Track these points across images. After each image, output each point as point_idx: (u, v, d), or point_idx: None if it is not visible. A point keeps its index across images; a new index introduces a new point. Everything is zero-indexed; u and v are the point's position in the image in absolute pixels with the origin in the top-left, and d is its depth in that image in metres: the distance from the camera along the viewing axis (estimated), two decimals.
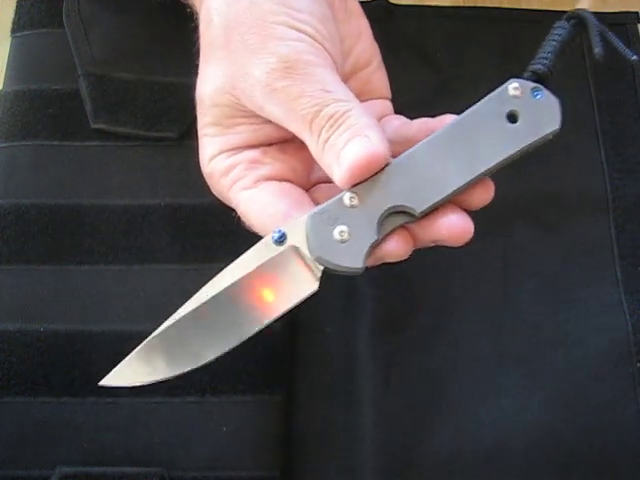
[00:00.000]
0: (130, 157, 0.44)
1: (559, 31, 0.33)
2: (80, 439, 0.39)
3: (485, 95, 0.32)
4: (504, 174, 0.46)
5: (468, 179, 0.30)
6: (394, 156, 0.31)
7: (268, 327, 0.39)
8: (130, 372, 0.31)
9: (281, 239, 0.30)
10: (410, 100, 0.41)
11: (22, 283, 0.41)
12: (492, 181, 0.31)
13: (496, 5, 0.51)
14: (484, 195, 0.31)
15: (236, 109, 0.32)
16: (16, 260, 0.42)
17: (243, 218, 0.33)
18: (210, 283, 0.31)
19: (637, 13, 0.51)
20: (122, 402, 0.39)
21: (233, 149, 0.33)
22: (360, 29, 0.36)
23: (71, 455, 0.38)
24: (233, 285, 0.31)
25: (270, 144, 0.34)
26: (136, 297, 0.41)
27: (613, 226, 0.45)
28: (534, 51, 0.49)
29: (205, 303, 0.31)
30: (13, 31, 0.48)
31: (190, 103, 0.45)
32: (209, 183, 0.35)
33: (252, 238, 0.42)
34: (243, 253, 0.42)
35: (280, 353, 0.41)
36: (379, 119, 0.35)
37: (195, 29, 0.35)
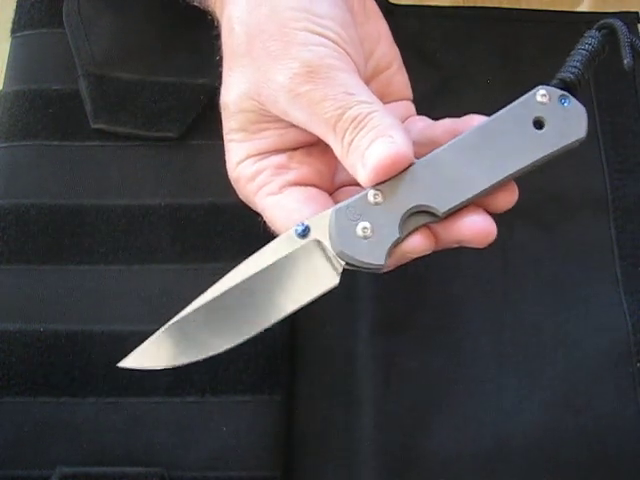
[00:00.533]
0: (130, 157, 0.45)
1: (589, 40, 0.33)
2: (80, 439, 0.39)
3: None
4: None
5: (493, 182, 0.30)
6: (418, 157, 0.31)
7: (268, 327, 0.40)
8: (148, 355, 0.31)
9: (304, 232, 0.30)
10: None
11: (22, 283, 0.41)
12: (516, 185, 0.32)
13: (496, 5, 0.51)
14: (508, 198, 0.31)
15: (261, 114, 0.33)
16: (16, 260, 0.42)
17: (269, 223, 0.34)
18: (231, 273, 0.31)
19: (637, 13, 0.51)
20: (122, 402, 0.39)
21: (259, 154, 0.34)
22: (379, 31, 0.36)
23: (71, 455, 0.38)
24: (255, 275, 0.31)
25: (296, 148, 0.34)
26: (136, 297, 0.41)
27: (613, 226, 0.45)
28: (534, 51, 0.49)
29: (225, 292, 0.31)
30: (13, 31, 0.48)
31: (190, 103, 0.45)
32: (235, 187, 0.35)
33: (252, 238, 0.43)
34: (242, 253, 0.42)
35: (280, 353, 0.41)
36: (403, 120, 0.35)
37: (217, 37, 0.35)
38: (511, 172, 0.30)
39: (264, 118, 0.33)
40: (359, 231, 0.29)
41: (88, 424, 0.39)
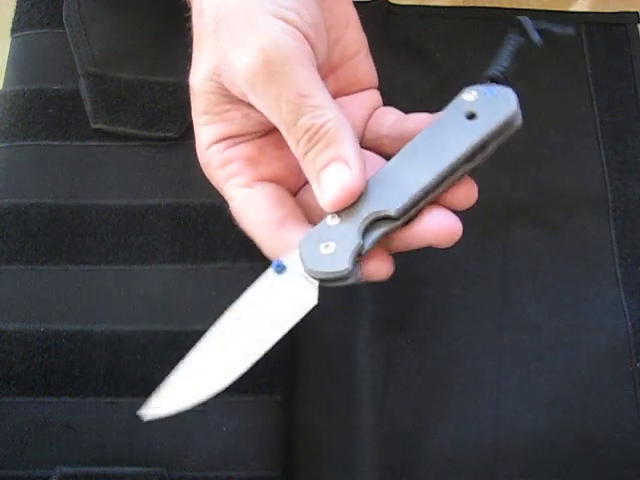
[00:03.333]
0: (130, 157, 0.45)
1: (510, 41, 0.34)
2: (80, 439, 0.39)
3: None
4: (504, 174, 0.46)
5: (436, 175, 0.30)
6: (392, 152, 0.32)
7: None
8: (165, 400, 0.31)
9: (279, 268, 0.32)
10: (410, 100, 0.41)
11: (22, 283, 0.41)
12: (474, 180, 0.31)
13: (496, 5, 0.51)
14: (467, 193, 0.31)
15: (222, 95, 0.32)
16: (16, 260, 0.42)
17: (235, 214, 0.34)
18: (224, 314, 0.32)
19: (637, 13, 0.51)
20: (122, 402, 0.39)
21: (226, 138, 0.33)
22: (348, 17, 0.36)
23: (71, 455, 0.38)
24: (242, 310, 0.32)
25: (265, 133, 0.34)
26: (136, 297, 0.41)
27: (613, 226, 0.45)
28: (534, 51, 0.49)
29: (218, 331, 0.32)
30: (13, 31, 0.48)
31: (190, 103, 0.45)
32: (205, 173, 0.35)
33: (250, 239, 0.43)
34: (242, 253, 0.42)
35: (280, 353, 0.41)
36: (371, 111, 0.36)
37: (188, 19, 0.35)
38: (452, 162, 0.30)
39: (226, 99, 0.32)
40: (322, 249, 0.30)
41: (88, 424, 0.39)
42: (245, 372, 0.40)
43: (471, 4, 0.52)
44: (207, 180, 0.44)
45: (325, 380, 0.41)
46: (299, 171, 0.33)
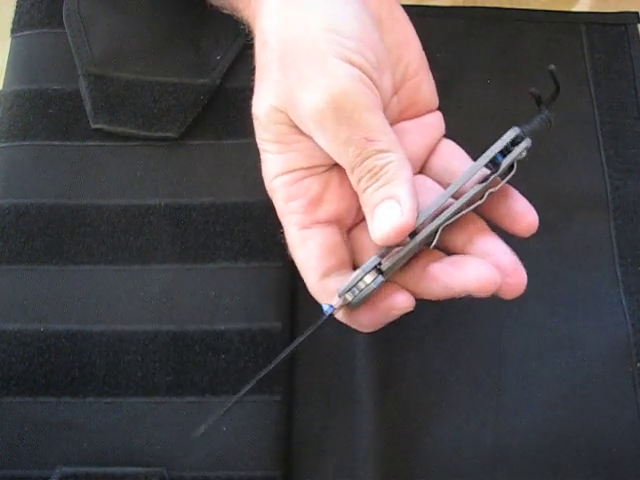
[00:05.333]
0: (130, 157, 0.45)
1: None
2: (80, 439, 0.39)
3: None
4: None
5: (443, 195, 0.33)
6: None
7: (268, 327, 0.41)
8: None
9: (329, 310, 0.34)
10: None
11: (22, 283, 0.41)
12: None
13: (496, 5, 0.51)
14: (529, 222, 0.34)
15: (292, 126, 0.34)
16: (16, 260, 0.42)
17: (288, 245, 0.35)
18: None
19: (637, 13, 0.51)
20: (122, 402, 0.39)
21: (294, 170, 0.34)
22: (407, 37, 0.37)
23: (71, 455, 0.38)
24: None
25: (330, 167, 0.35)
26: (136, 297, 0.41)
27: (613, 226, 0.45)
28: (534, 51, 0.49)
29: None
30: (13, 31, 0.48)
31: (190, 103, 0.45)
32: (270, 196, 0.36)
33: (252, 238, 0.43)
34: (242, 253, 0.43)
35: (280, 353, 0.41)
36: (435, 142, 0.37)
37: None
38: (456, 183, 0.33)
39: (295, 130, 0.34)
40: (352, 275, 0.33)
41: (88, 424, 0.39)
42: (246, 373, 0.40)
43: (471, 4, 0.52)
44: (207, 180, 0.44)
45: (325, 380, 0.41)
46: (357, 210, 0.35)
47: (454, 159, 0.37)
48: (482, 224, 0.34)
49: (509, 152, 0.34)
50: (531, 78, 0.48)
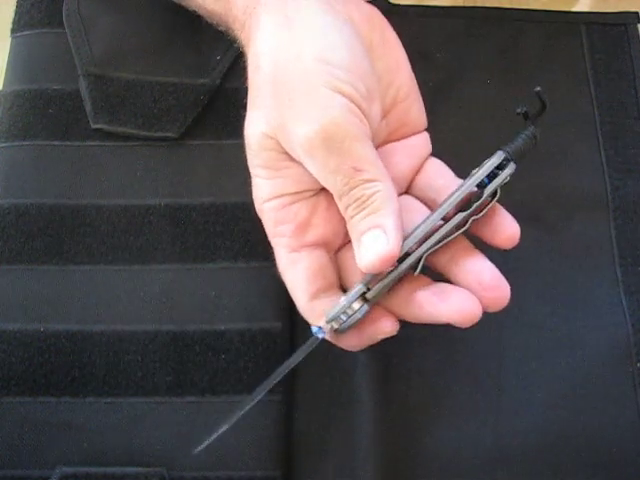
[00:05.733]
0: (130, 157, 0.45)
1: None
2: (80, 439, 0.39)
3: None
4: None
5: (429, 221, 0.34)
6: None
7: (268, 327, 0.41)
8: None
9: (318, 332, 0.35)
10: None
11: (22, 283, 0.41)
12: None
13: (496, 5, 0.51)
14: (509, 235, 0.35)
15: (282, 152, 0.34)
16: (16, 260, 0.42)
17: (278, 267, 0.36)
18: None
19: (637, 13, 0.51)
20: (122, 402, 0.39)
21: (283, 195, 0.35)
22: (398, 62, 0.38)
23: (71, 455, 0.38)
24: None
25: (318, 191, 0.36)
26: (136, 297, 0.41)
27: (613, 226, 0.45)
28: (534, 51, 0.49)
29: None
30: (13, 31, 0.48)
31: (190, 103, 0.45)
32: (260, 217, 0.37)
33: (252, 238, 0.43)
34: (242, 253, 0.43)
35: (280, 353, 0.41)
36: (422, 161, 0.38)
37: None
38: (442, 208, 0.34)
39: (285, 156, 0.34)
40: (340, 301, 0.34)
41: (88, 424, 0.39)
42: (246, 373, 0.40)
43: (471, 4, 0.52)
44: (207, 180, 0.44)
45: (325, 380, 0.41)
46: (344, 232, 0.36)
47: (439, 177, 0.37)
48: (465, 242, 0.35)
49: (494, 175, 0.34)
50: (531, 78, 0.48)
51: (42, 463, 0.38)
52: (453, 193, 0.34)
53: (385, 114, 0.37)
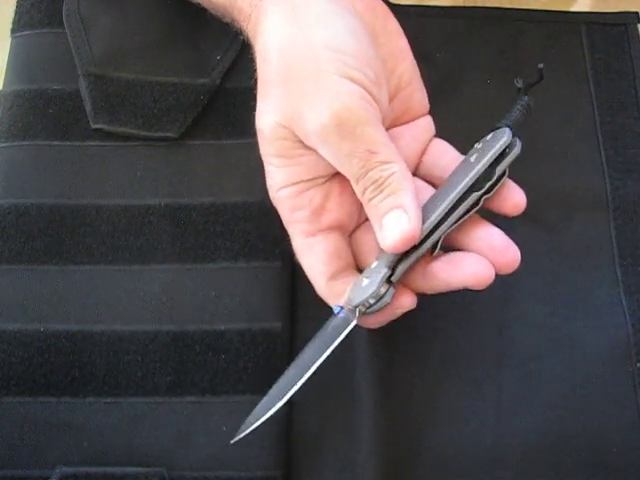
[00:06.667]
0: (130, 157, 0.45)
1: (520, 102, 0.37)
2: (80, 439, 0.39)
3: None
4: None
5: (447, 202, 0.34)
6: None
7: (268, 327, 0.41)
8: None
9: (339, 310, 0.36)
10: None
11: (22, 283, 0.41)
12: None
13: (496, 5, 0.51)
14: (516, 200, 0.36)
15: (296, 141, 0.35)
16: (16, 260, 0.42)
17: (295, 253, 0.37)
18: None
19: (637, 13, 0.51)
20: (122, 402, 0.39)
21: (298, 183, 0.36)
22: (401, 49, 0.38)
23: (71, 455, 0.38)
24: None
25: (331, 177, 0.36)
26: (136, 297, 0.41)
27: (613, 226, 0.45)
28: (534, 51, 0.49)
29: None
30: (13, 31, 0.48)
31: (190, 103, 0.45)
32: (275, 206, 0.37)
33: (252, 238, 0.43)
34: (242, 253, 0.43)
35: (280, 353, 0.41)
36: (427, 144, 0.39)
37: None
38: (459, 190, 0.34)
39: (299, 144, 0.35)
40: (363, 284, 0.35)
41: (88, 424, 0.39)
42: (245, 373, 0.40)
43: (471, 4, 0.52)
44: (207, 180, 0.44)
45: (325, 380, 0.41)
46: (357, 215, 0.37)
47: (444, 155, 0.38)
48: (474, 215, 0.36)
49: (502, 154, 0.35)
50: (531, 78, 0.48)
51: (42, 463, 0.38)
52: (467, 174, 0.35)
53: (390, 99, 0.37)
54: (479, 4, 0.52)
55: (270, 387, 0.40)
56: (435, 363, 0.42)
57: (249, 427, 0.35)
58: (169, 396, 0.39)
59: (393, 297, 0.35)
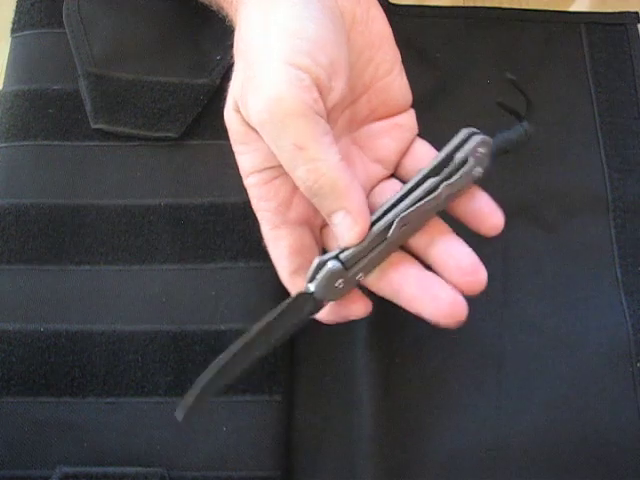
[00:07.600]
0: (130, 157, 0.45)
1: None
2: (80, 439, 0.39)
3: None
4: (504, 174, 0.46)
5: (404, 190, 0.34)
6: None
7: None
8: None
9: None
10: None
11: (22, 283, 0.41)
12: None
13: (496, 5, 0.51)
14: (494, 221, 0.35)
15: (249, 127, 0.33)
16: (16, 260, 0.42)
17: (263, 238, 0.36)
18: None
19: (637, 13, 0.51)
20: (122, 402, 0.39)
21: (262, 170, 0.35)
22: (382, 36, 0.36)
23: (71, 455, 0.38)
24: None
25: None
26: (136, 297, 0.41)
27: (613, 226, 0.45)
28: (534, 51, 0.49)
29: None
30: (13, 31, 0.48)
31: (190, 103, 0.45)
32: (248, 191, 0.36)
33: (252, 238, 0.43)
34: (242, 253, 0.43)
35: (280, 353, 0.41)
36: (408, 144, 0.37)
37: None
38: (418, 177, 0.34)
39: (252, 130, 0.33)
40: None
41: (88, 424, 0.39)
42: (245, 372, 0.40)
43: (471, 4, 0.52)
44: (207, 180, 0.44)
45: (325, 380, 0.41)
46: None
47: (427, 159, 0.37)
48: (444, 227, 0.35)
49: (463, 144, 0.34)
50: (531, 78, 0.48)
51: (42, 463, 0.38)
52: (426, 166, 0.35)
53: (365, 89, 0.36)
54: (479, 4, 0.52)
55: (270, 387, 0.40)
56: (435, 363, 0.42)
57: (191, 398, 0.32)
58: (169, 396, 0.39)
59: (349, 300, 0.35)
